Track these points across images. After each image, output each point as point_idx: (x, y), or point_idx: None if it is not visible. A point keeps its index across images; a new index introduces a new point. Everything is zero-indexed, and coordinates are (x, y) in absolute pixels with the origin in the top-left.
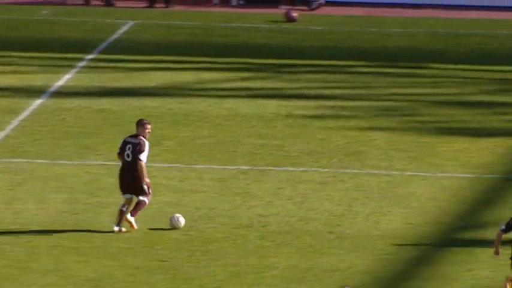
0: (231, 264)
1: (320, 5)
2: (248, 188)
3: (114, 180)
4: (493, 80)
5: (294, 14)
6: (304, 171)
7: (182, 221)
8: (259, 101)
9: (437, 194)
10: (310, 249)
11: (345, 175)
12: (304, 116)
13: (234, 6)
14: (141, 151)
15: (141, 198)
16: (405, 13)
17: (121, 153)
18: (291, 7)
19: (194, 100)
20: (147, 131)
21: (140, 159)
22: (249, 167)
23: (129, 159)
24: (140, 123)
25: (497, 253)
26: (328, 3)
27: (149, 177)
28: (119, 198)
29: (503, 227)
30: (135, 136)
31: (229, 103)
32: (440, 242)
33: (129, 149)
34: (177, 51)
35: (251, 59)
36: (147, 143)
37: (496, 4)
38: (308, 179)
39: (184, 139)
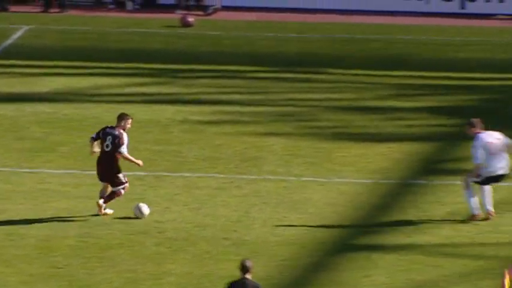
0: (127, 271)
1: (216, 10)
2: (144, 194)
3: (8, 187)
4: (389, 85)
5: (190, 19)
6: (200, 177)
7: (145, 210)
8: (156, 107)
9: (334, 200)
10: (207, 256)
11: (241, 181)
12: (200, 122)
13: (129, 11)
14: (120, 144)
15: (114, 189)
16: (302, 18)
17: (95, 139)
18: (186, 12)
19: (89, 106)
20: (128, 125)
21: (121, 152)
22: (145, 173)
23: (108, 149)
24: (122, 117)
25: None
26: (224, 8)
27: (44, 183)
28: (14, 205)
29: None
30: (115, 128)
31: (125, 109)
32: (338, 247)
33: (109, 139)
34: (72, 57)
35: (147, 64)
36: (125, 135)
37: (393, 9)
38: (204, 185)
39: (79, 145)
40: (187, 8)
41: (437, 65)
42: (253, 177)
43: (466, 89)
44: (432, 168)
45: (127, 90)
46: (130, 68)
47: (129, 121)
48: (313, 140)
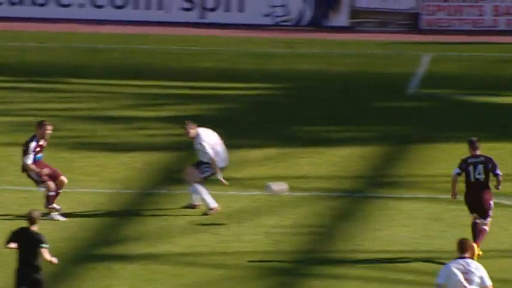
0: None
1: None
2: None
3: None
4: (130, 94)
5: None
6: None
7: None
8: None
9: (75, 210)
10: None
11: None
12: None
13: None
14: (26, 153)
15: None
16: (42, 28)
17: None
18: None
19: None
20: (48, 132)
21: (24, 163)
22: None
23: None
24: (40, 125)
25: (454, 196)
26: None
27: None
28: None
29: (457, 170)
30: (32, 137)
31: None
32: (79, 258)
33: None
34: None
35: None
36: (32, 143)
37: (132, 19)
38: None
39: None
40: None
41: (178, 74)
42: None
43: (206, 98)
44: (173, 177)
45: None
46: None
47: (49, 128)
48: (54, 149)
